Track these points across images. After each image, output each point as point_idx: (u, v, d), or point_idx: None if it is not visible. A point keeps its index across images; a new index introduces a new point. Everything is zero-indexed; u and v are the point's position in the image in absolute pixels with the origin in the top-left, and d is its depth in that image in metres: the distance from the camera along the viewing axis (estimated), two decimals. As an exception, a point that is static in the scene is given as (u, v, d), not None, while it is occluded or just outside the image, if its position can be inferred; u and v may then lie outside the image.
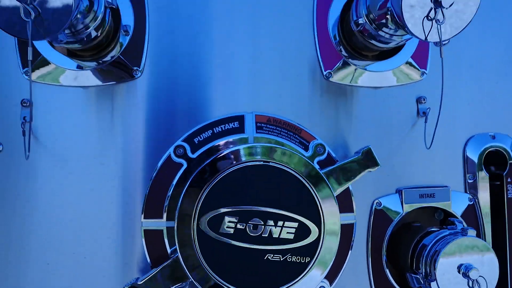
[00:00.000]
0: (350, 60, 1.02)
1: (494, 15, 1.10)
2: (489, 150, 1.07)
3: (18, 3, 0.66)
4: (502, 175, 1.07)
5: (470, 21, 0.77)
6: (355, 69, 1.02)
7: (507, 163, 1.08)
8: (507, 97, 1.10)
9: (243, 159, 0.87)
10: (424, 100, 1.05)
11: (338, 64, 1.02)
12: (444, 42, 0.77)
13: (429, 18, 0.76)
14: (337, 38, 1.03)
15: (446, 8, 0.74)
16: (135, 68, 0.96)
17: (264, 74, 1.01)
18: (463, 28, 0.77)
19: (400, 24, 0.78)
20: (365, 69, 1.03)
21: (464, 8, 0.75)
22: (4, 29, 0.67)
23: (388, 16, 0.83)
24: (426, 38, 0.77)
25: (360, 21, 0.93)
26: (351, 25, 0.97)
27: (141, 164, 0.98)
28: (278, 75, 1.02)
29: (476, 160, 1.07)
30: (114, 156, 0.97)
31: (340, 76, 1.03)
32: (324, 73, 1.02)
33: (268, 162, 0.87)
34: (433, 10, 0.75)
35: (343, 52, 1.02)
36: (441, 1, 0.74)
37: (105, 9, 0.87)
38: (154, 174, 0.95)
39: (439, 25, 0.75)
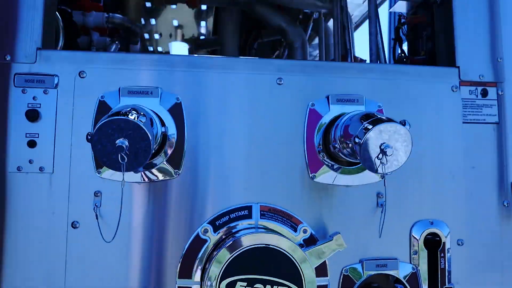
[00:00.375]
0: (329, 165, 1.43)
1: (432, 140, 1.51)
2: (429, 232, 1.48)
3: (117, 149, 1.06)
4: (437, 251, 1.48)
5: (404, 162, 1.18)
6: (333, 172, 1.43)
7: (441, 242, 1.48)
8: (442, 193, 1.51)
9: (250, 242, 1.26)
10: (381, 195, 1.46)
11: (320, 169, 1.43)
12: (387, 175, 1.18)
13: (378, 158, 1.17)
14: (320, 150, 1.43)
15: (389, 156, 1.15)
16: (176, 170, 1.36)
17: (268, 174, 1.41)
18: (399, 167, 1.18)
19: (358, 158, 1.19)
20: (340, 173, 1.43)
21: (400, 156, 1.17)
22: (109, 166, 1.07)
23: (352, 147, 1.24)
24: (376, 171, 1.18)
25: (335, 145, 1.34)
26: (330, 144, 1.38)
27: (176, 237, 1.37)
28: (278, 175, 1.42)
29: (418, 239, 1.47)
30: (157, 232, 1.36)
31: (322, 177, 1.43)
32: (310, 175, 1.42)
33: (268, 245, 1.26)
34: (380, 155, 1.16)
35: (325, 159, 1.43)
36: (386, 151, 1.15)
37: (161, 135, 1.28)
38: (187, 246, 1.35)
39: (383, 165, 1.16)
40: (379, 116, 1.22)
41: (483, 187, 1.54)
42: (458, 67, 1.56)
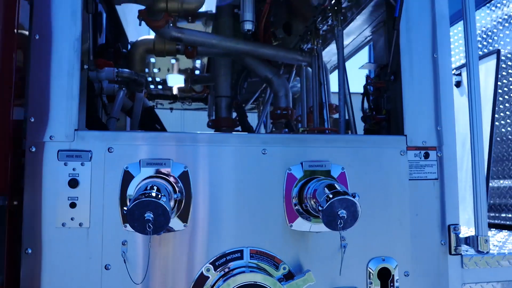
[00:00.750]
0: (303, 217, 1.83)
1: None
2: (381, 266, 1.89)
3: (145, 221, 1.45)
4: (388, 281, 1.89)
5: (355, 223, 1.59)
6: (306, 222, 1.83)
7: (391, 274, 1.89)
8: (392, 235, 1.92)
9: (242, 280, 1.67)
10: (344, 239, 1.86)
11: (296, 219, 1.83)
12: (342, 231, 1.60)
13: (335, 222, 1.58)
14: (296, 204, 1.84)
15: (343, 220, 1.56)
16: (184, 224, 1.76)
17: (255, 224, 1.82)
18: (351, 227, 1.59)
19: (321, 220, 1.60)
20: (312, 222, 1.84)
21: (351, 219, 1.58)
22: (138, 231, 1.46)
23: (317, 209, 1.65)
24: (334, 229, 1.59)
25: (307, 204, 1.75)
26: (303, 204, 1.78)
27: (185, 274, 1.77)
28: (263, 225, 1.82)
29: (373, 271, 1.88)
30: (170, 270, 1.76)
31: (297, 226, 1.84)
32: (288, 224, 1.83)
33: (256, 282, 1.67)
34: (338, 219, 1.57)
35: (299, 212, 1.83)
36: (341, 217, 1.56)
37: (174, 201, 1.67)
38: (193, 281, 1.75)
39: (339, 226, 1.57)
40: (337, 189, 1.63)
41: (424, 229, 1.96)
42: (406, 135, 1.98)
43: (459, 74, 3.50)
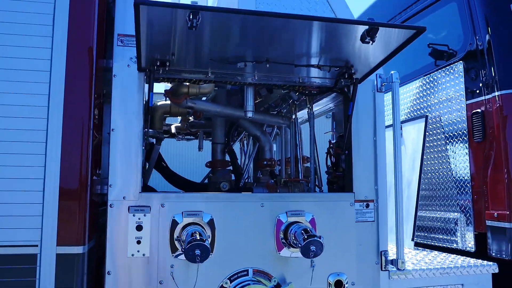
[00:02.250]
0: (287, 248, 2.81)
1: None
2: (336, 279, 2.89)
3: (195, 255, 2.39)
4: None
5: (320, 255, 2.59)
6: (289, 251, 2.81)
7: (343, 284, 2.90)
8: (324, 260, 2.93)
9: (250, 290, 2.64)
10: (313, 262, 2.85)
11: (282, 249, 2.81)
12: (313, 259, 2.59)
13: (309, 255, 2.57)
14: (282, 239, 2.81)
15: (313, 252, 2.55)
16: (211, 253, 2.70)
17: (256, 252, 2.78)
18: (318, 257, 2.58)
19: (300, 253, 2.58)
20: (292, 251, 2.81)
21: (319, 252, 2.57)
22: (190, 261, 2.40)
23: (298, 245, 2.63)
24: (308, 258, 2.58)
25: (289, 241, 2.73)
26: (287, 240, 2.76)
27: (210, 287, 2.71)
28: (261, 253, 2.79)
29: (332, 282, 2.88)
30: (202, 284, 2.70)
31: (283, 253, 2.81)
32: (277, 252, 2.81)
33: (258, 291, 2.64)
34: (310, 253, 2.56)
35: (285, 245, 2.81)
36: (312, 251, 2.55)
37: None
38: (216, 291, 2.70)
39: (311, 257, 2.56)
40: (310, 233, 2.61)
41: (365, 254, 2.98)
42: (354, 192, 3.00)
43: (400, 128, 4.58)
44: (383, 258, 2.99)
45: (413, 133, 4.30)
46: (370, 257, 2.99)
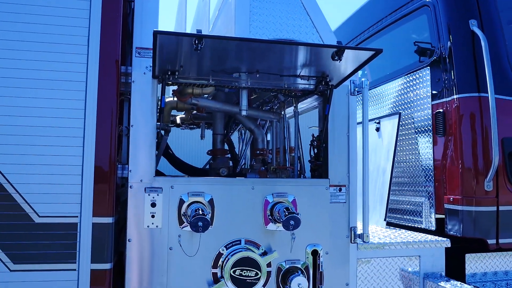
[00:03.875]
0: (272, 222, 3.46)
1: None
2: (313, 249, 3.55)
3: (198, 226, 3.05)
4: (316, 257, 3.56)
5: (299, 227, 3.24)
6: (274, 225, 3.47)
7: (318, 253, 3.56)
8: (317, 236, 3.58)
9: (241, 256, 3.30)
10: (293, 234, 3.51)
11: (269, 224, 3.47)
12: (292, 233, 3.25)
13: (289, 226, 3.22)
14: (269, 216, 3.46)
15: (292, 225, 3.20)
16: (210, 226, 3.36)
17: (247, 226, 3.44)
18: (296, 229, 3.23)
19: (282, 226, 3.24)
20: (277, 225, 3.47)
21: (297, 226, 3.22)
22: (194, 230, 3.05)
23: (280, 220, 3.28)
24: (288, 230, 3.23)
25: (275, 217, 3.39)
26: (273, 216, 3.42)
27: (209, 253, 3.37)
28: (252, 226, 3.45)
29: (309, 251, 3.54)
30: (202, 252, 3.36)
31: (270, 227, 3.47)
32: (265, 226, 3.46)
33: (248, 256, 3.30)
34: (290, 226, 3.22)
35: (271, 220, 3.46)
36: (292, 225, 3.20)
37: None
38: (214, 256, 3.37)
39: (291, 228, 3.21)
40: (290, 210, 3.26)
41: (337, 229, 3.64)
42: (329, 178, 3.65)
43: (379, 123, 5.21)
44: (352, 233, 3.65)
45: (389, 127, 4.93)
46: (341, 232, 3.65)
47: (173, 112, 6.29)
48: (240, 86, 3.67)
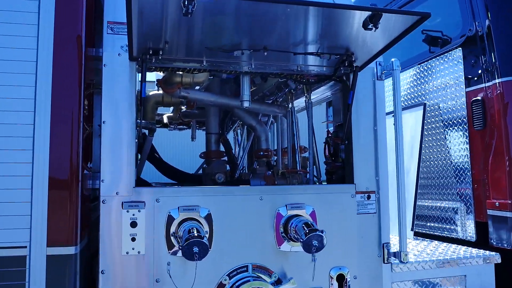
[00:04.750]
0: (287, 242, 2.72)
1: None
2: (339, 273, 2.82)
3: (193, 253, 2.29)
4: (343, 282, 2.82)
5: (322, 249, 2.50)
6: (289, 245, 2.73)
7: (345, 277, 2.82)
8: (337, 253, 2.85)
9: (249, 286, 2.55)
10: (314, 256, 2.77)
11: (283, 243, 2.72)
12: (315, 254, 2.50)
13: (311, 249, 2.48)
14: (282, 232, 2.72)
15: (315, 247, 2.46)
16: (209, 249, 2.60)
17: (255, 248, 2.69)
18: (319, 252, 2.50)
19: (302, 248, 2.50)
20: (293, 245, 2.73)
21: (320, 247, 2.48)
22: (188, 259, 2.29)
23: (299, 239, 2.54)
24: (310, 253, 2.49)
25: (290, 235, 2.64)
26: (288, 234, 2.67)
27: (208, 283, 2.61)
28: (261, 247, 2.70)
29: (333, 276, 2.81)
30: (199, 281, 2.60)
31: (284, 247, 2.73)
32: (277, 247, 2.72)
33: (257, 287, 2.55)
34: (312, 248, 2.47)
35: (285, 239, 2.72)
36: (314, 246, 2.46)
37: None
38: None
39: (313, 252, 2.47)
40: (312, 227, 2.52)
41: (367, 247, 2.90)
42: (355, 184, 2.92)
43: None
44: (386, 251, 2.92)
45: (411, 121, 4.22)
46: (372, 250, 2.92)
47: (160, 110, 5.55)
48: (241, 70, 2.92)
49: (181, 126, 6.14)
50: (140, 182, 2.92)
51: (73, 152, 2.19)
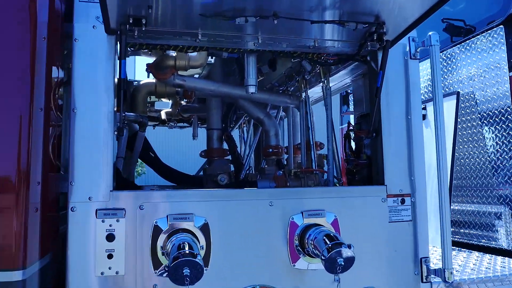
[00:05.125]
0: (304, 258, 2.19)
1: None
2: (367, 295, 2.28)
3: (184, 276, 1.77)
4: None
5: (349, 269, 1.96)
6: (305, 262, 2.19)
7: None
8: (375, 268, 2.31)
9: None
10: (337, 275, 2.23)
11: (298, 260, 2.19)
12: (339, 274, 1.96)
13: (335, 269, 1.94)
14: (297, 246, 2.19)
15: (341, 266, 1.93)
16: (205, 268, 2.07)
17: (264, 265, 2.16)
18: (346, 271, 1.96)
19: (323, 266, 1.96)
20: (310, 262, 2.20)
21: (347, 266, 1.94)
22: (177, 284, 1.77)
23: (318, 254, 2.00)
24: (334, 273, 1.95)
25: (307, 249, 2.10)
26: (305, 249, 2.14)
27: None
28: (273, 264, 2.17)
29: None
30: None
31: (299, 265, 2.19)
32: (292, 264, 2.19)
33: (268, 316, 2.02)
34: (337, 267, 1.94)
35: (300, 254, 2.19)
36: (340, 265, 1.92)
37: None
38: (213, 317, 2.08)
39: (337, 271, 1.93)
40: (335, 241, 1.99)
41: (401, 263, 2.36)
42: (386, 185, 2.37)
43: (424, 108, 3.95)
44: (424, 267, 2.37)
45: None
46: (407, 266, 2.37)
47: (158, 106, 5.05)
48: (245, 47, 2.40)
49: (182, 124, 5.65)
50: (126, 186, 2.41)
51: (21, 147, 1.67)
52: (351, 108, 5.36)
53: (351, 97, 5.15)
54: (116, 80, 2.15)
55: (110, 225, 2.02)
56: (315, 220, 2.22)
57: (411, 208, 2.40)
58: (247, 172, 3.78)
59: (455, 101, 3.59)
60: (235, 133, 5.54)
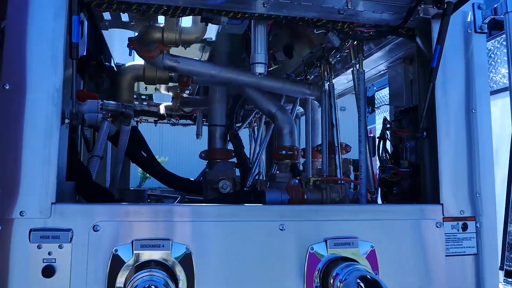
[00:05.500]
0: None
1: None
2: None
3: None
4: None
5: None
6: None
7: None
8: None
9: None
10: None
11: (318, 307, 1.55)
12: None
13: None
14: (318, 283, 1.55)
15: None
16: None
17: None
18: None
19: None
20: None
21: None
22: None
23: None
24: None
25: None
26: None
27: None
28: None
29: None
30: None
31: (319, 314, 1.55)
32: (309, 312, 1.55)
33: None
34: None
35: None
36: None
37: (174, 294, 1.36)
38: None
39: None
40: (377, 284, 1.34)
41: (462, 312, 1.70)
42: (442, 204, 1.71)
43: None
44: (494, 321, 1.71)
45: (496, 113, 2.98)
46: (469, 316, 1.71)
47: (156, 99, 4.45)
48: (252, 11, 1.76)
49: (185, 121, 5.03)
50: (93, 195, 1.80)
51: None
52: (376, 111, 4.66)
53: (377, 94, 4.49)
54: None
55: (50, 253, 1.40)
56: (343, 251, 1.57)
57: (477, 236, 1.73)
58: (256, 178, 3.14)
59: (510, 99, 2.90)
60: (244, 133, 4.91)
